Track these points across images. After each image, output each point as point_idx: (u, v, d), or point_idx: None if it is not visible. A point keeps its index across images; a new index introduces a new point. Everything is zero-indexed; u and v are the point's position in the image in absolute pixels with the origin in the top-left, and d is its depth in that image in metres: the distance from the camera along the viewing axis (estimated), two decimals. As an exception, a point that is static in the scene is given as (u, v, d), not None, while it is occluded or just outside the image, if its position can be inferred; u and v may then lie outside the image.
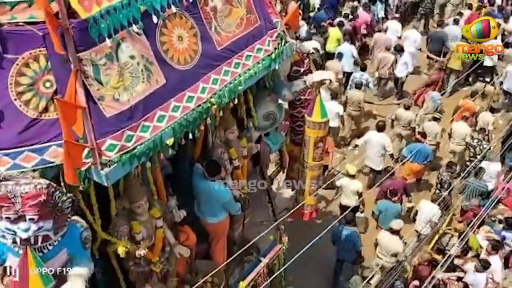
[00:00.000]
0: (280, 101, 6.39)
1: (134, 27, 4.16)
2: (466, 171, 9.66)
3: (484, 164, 9.84)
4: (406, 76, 13.12)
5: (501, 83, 12.77)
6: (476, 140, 10.43)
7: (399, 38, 13.81)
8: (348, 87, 12.29)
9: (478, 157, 9.95)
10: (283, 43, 5.47)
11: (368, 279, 7.81)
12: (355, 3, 15.48)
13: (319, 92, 6.17)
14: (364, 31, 14.27)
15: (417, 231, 9.30)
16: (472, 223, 8.20)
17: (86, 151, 3.94)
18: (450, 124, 11.09)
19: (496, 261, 7.98)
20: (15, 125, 3.88)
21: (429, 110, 11.51)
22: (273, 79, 5.97)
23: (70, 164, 3.77)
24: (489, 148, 10.50)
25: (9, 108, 3.86)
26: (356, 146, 10.74)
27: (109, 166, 4.03)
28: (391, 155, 10.35)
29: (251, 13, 5.18)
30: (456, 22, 14.10)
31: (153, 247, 5.20)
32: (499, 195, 9.02)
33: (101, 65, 3.98)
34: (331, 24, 13.57)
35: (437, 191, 9.69)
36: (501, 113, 12.51)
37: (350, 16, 14.37)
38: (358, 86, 11.56)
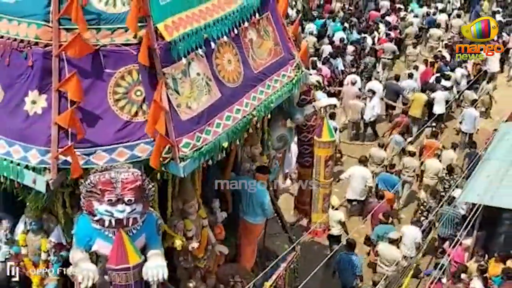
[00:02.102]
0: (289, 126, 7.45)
1: (199, 50, 5.21)
2: (440, 202, 10.82)
3: (456, 193, 10.99)
4: (374, 119, 14.48)
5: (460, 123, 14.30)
6: (448, 174, 11.69)
7: (359, 89, 15.22)
8: None
9: (453, 187, 11.17)
10: (300, 71, 6.60)
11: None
12: (315, 58, 16.76)
13: (325, 115, 7.29)
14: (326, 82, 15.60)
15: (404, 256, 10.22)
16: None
17: (167, 148, 4.86)
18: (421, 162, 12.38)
19: None
20: (112, 126, 4.76)
21: (395, 152, 12.86)
22: (288, 104, 7.02)
23: (157, 152, 4.69)
24: (462, 178, 11.74)
25: (108, 112, 4.76)
26: (339, 180, 11.80)
27: (185, 161, 4.94)
28: (371, 187, 11.47)
29: (277, 46, 6.32)
30: (410, 76, 15.72)
31: (199, 245, 6.02)
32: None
33: (178, 78, 4.97)
34: None
35: (423, 217, 10.78)
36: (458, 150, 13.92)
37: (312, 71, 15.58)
38: None
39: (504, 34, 18.71)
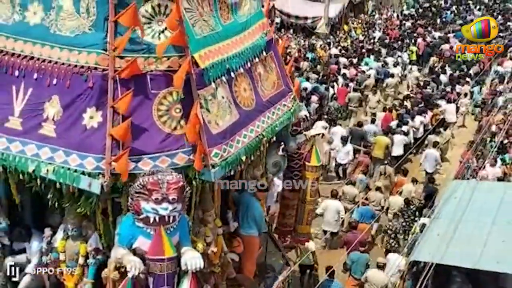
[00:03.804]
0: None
1: (223, 78, 6.23)
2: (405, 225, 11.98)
3: (423, 220, 12.12)
4: (347, 163, 15.78)
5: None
6: (406, 206, 12.90)
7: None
8: None
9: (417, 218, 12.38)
10: (296, 103, 7.69)
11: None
12: None
13: (315, 143, 8.35)
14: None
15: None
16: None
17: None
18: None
19: None
20: (156, 137, 5.66)
21: (360, 190, 14.11)
22: (284, 132, 8.03)
23: (200, 157, 5.60)
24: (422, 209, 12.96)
25: (153, 126, 5.66)
26: (317, 215, 12.77)
27: (215, 168, 5.85)
28: (343, 220, 12.53)
29: (278, 80, 7.42)
30: (373, 121, 17.23)
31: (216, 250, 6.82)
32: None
33: (209, 100, 5.95)
34: None
35: (392, 240, 11.84)
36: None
37: None
38: None
39: (457, 86, 20.63)
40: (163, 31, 5.76)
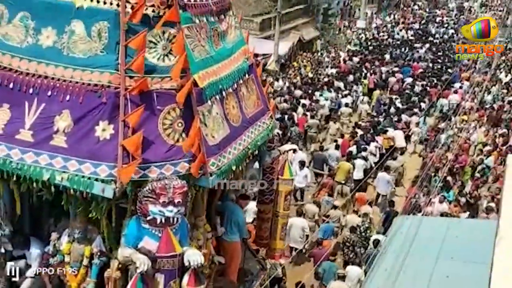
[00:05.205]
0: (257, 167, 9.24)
1: (217, 96, 7.02)
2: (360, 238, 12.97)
3: (376, 236, 13.11)
4: (308, 186, 16.81)
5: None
6: (361, 221, 13.93)
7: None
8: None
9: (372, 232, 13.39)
10: (272, 121, 8.55)
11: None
12: None
13: (287, 158, 9.21)
14: None
15: None
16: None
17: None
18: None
19: None
20: (161, 148, 6.35)
21: (326, 210, 15.12)
22: (261, 147, 8.84)
23: (198, 166, 6.33)
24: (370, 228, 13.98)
25: (158, 138, 6.36)
26: None
27: (212, 176, 6.60)
28: (307, 236, 13.43)
29: (258, 99, 8.26)
30: (337, 147, 18.46)
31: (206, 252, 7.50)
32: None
33: (206, 115, 6.71)
34: None
35: (350, 251, 12.81)
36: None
37: None
38: None
39: (405, 116, 22.05)
40: (167, 55, 6.51)
